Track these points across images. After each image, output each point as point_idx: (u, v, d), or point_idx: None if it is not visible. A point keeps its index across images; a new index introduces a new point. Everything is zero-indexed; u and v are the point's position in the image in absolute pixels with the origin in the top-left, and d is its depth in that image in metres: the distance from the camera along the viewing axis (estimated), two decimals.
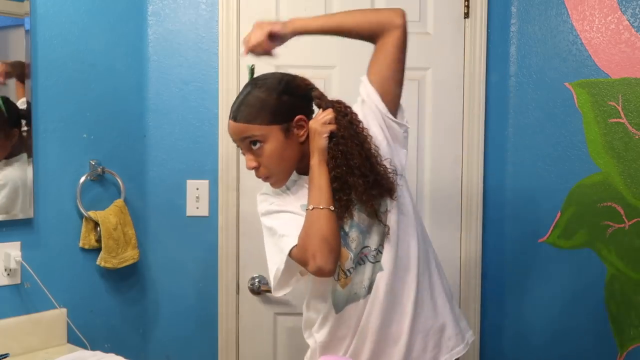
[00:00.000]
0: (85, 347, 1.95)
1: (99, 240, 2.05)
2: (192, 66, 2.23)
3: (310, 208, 1.42)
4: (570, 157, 2.15)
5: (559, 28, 2.16)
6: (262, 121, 1.45)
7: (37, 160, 1.93)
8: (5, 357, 1.81)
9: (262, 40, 1.50)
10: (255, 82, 1.51)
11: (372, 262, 1.51)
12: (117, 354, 1.78)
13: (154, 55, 2.22)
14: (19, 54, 1.89)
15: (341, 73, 2.21)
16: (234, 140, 1.52)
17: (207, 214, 2.24)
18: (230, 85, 2.21)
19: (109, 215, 2.06)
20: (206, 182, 2.24)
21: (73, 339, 1.99)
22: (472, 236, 2.25)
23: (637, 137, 2.04)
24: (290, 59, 2.19)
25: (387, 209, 1.51)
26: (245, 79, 1.62)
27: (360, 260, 1.51)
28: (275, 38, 1.52)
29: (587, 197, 2.13)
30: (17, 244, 1.90)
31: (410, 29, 2.21)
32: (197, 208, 2.24)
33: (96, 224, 2.04)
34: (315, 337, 1.60)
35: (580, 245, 2.15)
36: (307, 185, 1.50)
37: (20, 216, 1.90)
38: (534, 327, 2.23)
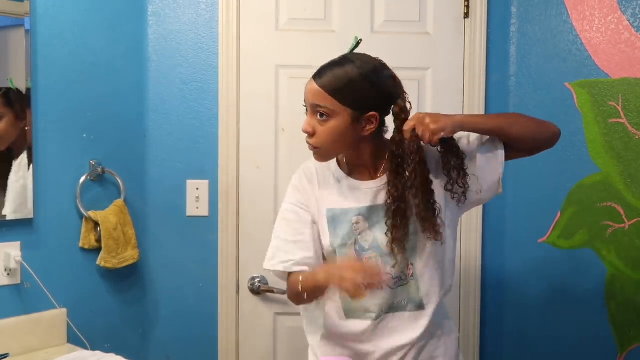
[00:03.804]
0: (85, 347, 1.95)
1: (99, 240, 2.05)
2: (192, 66, 2.23)
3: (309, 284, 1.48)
4: (570, 157, 2.15)
5: (559, 28, 2.16)
6: (339, 98, 1.44)
7: (37, 160, 1.93)
8: (5, 357, 1.81)
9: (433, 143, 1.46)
10: (354, 58, 1.49)
11: (392, 289, 1.51)
12: (117, 354, 1.78)
13: (154, 55, 2.22)
14: (19, 54, 1.89)
15: None
16: (305, 100, 1.51)
17: (207, 214, 2.24)
18: (230, 85, 2.21)
19: (109, 215, 2.06)
20: (206, 182, 2.23)
21: (73, 339, 1.99)
22: (472, 236, 2.25)
23: (637, 137, 2.04)
24: (292, 59, 2.21)
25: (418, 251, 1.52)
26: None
27: None
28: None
29: (587, 197, 2.13)
30: (17, 244, 1.90)
31: (410, 29, 2.24)
32: (197, 208, 2.24)
33: (96, 224, 2.04)
34: (311, 337, 1.63)
35: (580, 245, 2.15)
36: (345, 187, 1.53)
37: (20, 216, 1.90)
38: (534, 327, 2.23)
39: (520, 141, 1.53)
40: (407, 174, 1.45)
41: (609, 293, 2.11)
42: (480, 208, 2.24)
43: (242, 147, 2.22)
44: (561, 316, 2.19)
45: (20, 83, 1.89)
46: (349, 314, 1.55)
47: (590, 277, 2.14)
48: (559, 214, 2.18)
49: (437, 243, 1.50)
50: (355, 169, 1.55)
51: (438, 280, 1.53)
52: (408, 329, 1.52)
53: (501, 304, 2.28)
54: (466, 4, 2.22)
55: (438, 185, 1.51)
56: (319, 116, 1.47)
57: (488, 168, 1.52)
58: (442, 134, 1.42)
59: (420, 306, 1.52)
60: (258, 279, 2.23)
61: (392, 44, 2.21)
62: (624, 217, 2.08)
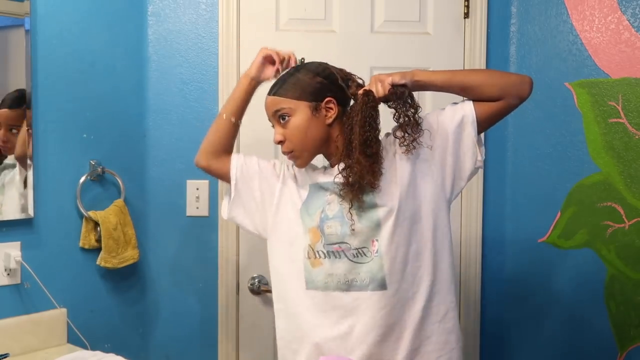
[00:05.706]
0: (85, 347, 1.95)
1: (99, 240, 2.05)
2: (192, 66, 2.23)
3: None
4: (570, 157, 2.15)
5: (559, 28, 2.16)
6: (292, 95, 1.54)
7: (37, 160, 1.93)
8: (5, 357, 1.81)
9: (387, 93, 1.49)
10: (298, 67, 1.62)
11: (352, 261, 1.51)
12: (117, 354, 1.77)
13: (154, 55, 2.22)
14: (19, 54, 1.89)
15: None
16: (268, 117, 1.60)
17: (207, 214, 2.24)
18: (230, 85, 2.20)
19: (109, 215, 2.06)
20: (206, 182, 2.23)
21: (73, 339, 1.99)
22: (472, 236, 2.25)
23: (637, 137, 2.04)
24: None
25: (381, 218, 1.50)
26: None
27: (335, 254, 1.52)
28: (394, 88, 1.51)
29: (587, 197, 2.13)
30: (17, 244, 1.90)
31: (410, 29, 2.25)
32: (197, 208, 2.24)
33: (96, 224, 2.04)
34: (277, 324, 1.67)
35: (580, 245, 2.15)
36: (327, 168, 1.60)
37: (20, 216, 1.91)
38: (534, 327, 2.24)
39: (482, 88, 1.49)
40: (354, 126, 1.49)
41: (609, 293, 2.11)
42: (480, 207, 2.24)
43: (242, 147, 2.22)
44: (561, 316, 2.19)
45: (20, 83, 1.89)
46: (309, 282, 1.55)
47: (590, 277, 2.14)
48: (559, 214, 2.18)
49: (406, 221, 1.49)
50: (331, 158, 1.60)
51: (407, 260, 1.50)
52: (371, 309, 1.49)
53: (501, 303, 2.28)
54: (466, 4, 2.23)
55: (405, 159, 1.51)
56: (281, 120, 1.56)
57: (461, 132, 1.52)
58: (390, 79, 1.49)
59: (382, 285, 1.48)
60: (258, 279, 2.23)
61: (392, 44, 2.22)
62: (624, 217, 2.08)
